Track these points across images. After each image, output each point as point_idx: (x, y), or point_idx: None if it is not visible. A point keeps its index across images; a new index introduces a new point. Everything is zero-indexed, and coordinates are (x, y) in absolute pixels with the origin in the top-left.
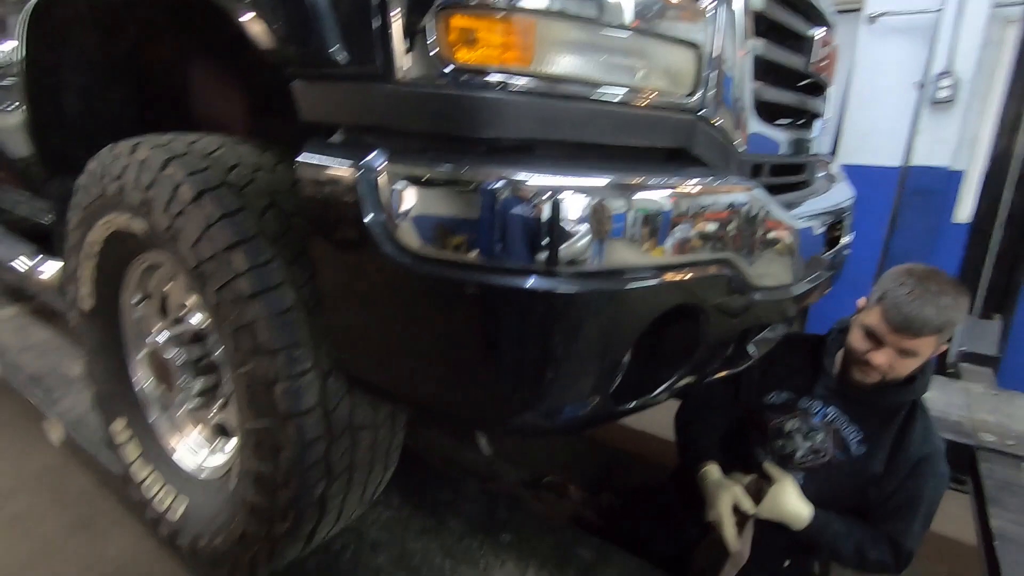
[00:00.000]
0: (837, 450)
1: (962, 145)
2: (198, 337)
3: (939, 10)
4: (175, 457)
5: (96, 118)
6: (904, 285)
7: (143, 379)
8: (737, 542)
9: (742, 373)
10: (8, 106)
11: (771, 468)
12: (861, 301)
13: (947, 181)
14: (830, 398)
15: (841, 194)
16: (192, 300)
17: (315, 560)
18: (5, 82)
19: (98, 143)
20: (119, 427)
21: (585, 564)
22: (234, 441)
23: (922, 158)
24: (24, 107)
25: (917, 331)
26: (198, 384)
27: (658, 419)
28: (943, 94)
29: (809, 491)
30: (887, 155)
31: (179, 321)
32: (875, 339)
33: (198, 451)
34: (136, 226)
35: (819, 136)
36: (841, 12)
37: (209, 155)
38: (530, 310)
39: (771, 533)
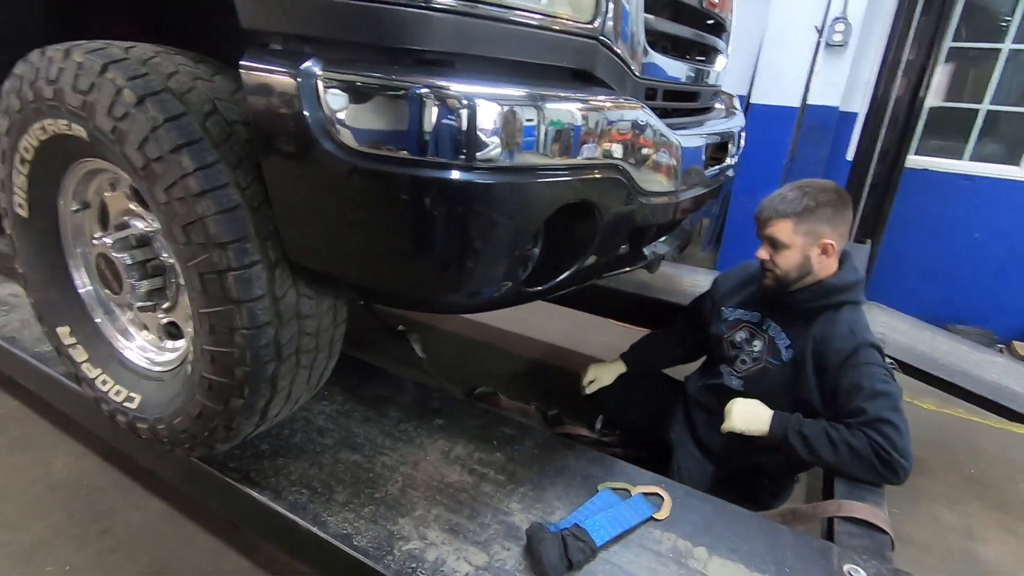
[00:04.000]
0: (770, 357)
1: (852, 87)
2: (143, 242)
3: None
4: (126, 357)
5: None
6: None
7: (86, 284)
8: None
9: (696, 307)
10: None
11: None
12: None
13: (837, 120)
14: (767, 309)
15: (730, 123)
16: (133, 206)
17: (268, 442)
18: None
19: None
20: (63, 334)
21: (506, 437)
22: (183, 341)
23: (816, 98)
24: None
25: (765, 218)
26: (145, 285)
27: (579, 337)
28: (837, 38)
29: (748, 397)
30: (791, 96)
31: (122, 227)
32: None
33: (149, 351)
34: (76, 130)
35: (720, 71)
36: None
37: (147, 62)
38: (450, 198)
39: (743, 451)
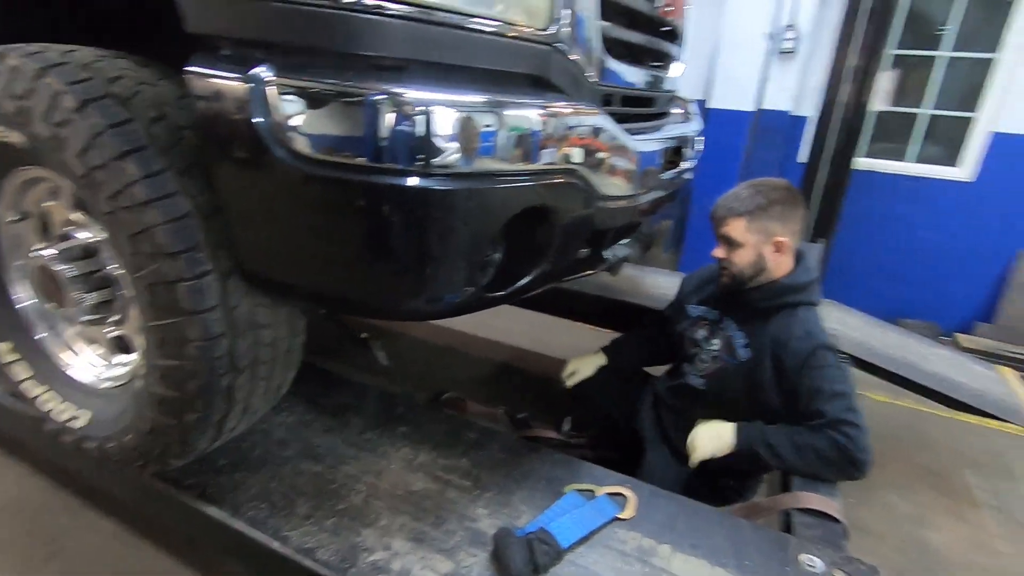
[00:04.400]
0: (727, 355)
1: (802, 92)
2: (88, 253)
3: None
4: (72, 373)
5: None
6: None
7: (27, 298)
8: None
9: (667, 308)
10: None
11: None
12: None
13: (789, 124)
14: (725, 308)
15: (686, 128)
16: (76, 216)
17: (225, 456)
18: None
19: None
20: (3, 351)
21: (472, 442)
22: (134, 355)
23: (769, 103)
24: None
25: (720, 216)
26: (91, 298)
27: (546, 340)
28: (787, 45)
29: (710, 396)
30: (746, 100)
31: (65, 238)
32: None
33: (96, 366)
34: (12, 137)
35: (676, 77)
36: None
37: (88, 66)
38: (408, 204)
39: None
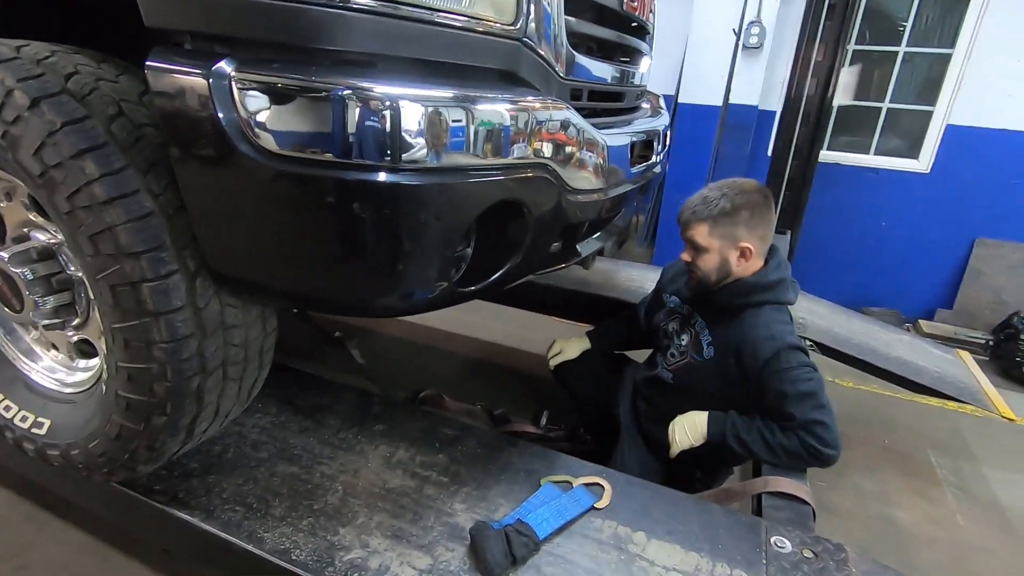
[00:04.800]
0: (694, 352)
1: (769, 87)
2: (46, 255)
3: None
4: (32, 379)
5: None
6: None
7: None
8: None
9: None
10: None
11: None
12: None
13: (756, 118)
14: (695, 305)
15: (656, 122)
16: (33, 217)
17: (197, 460)
18: None
19: None
20: None
21: (449, 439)
22: (98, 359)
23: (737, 98)
24: None
25: (684, 220)
26: (50, 301)
27: (523, 336)
28: (753, 41)
29: (677, 390)
30: (714, 95)
31: (22, 239)
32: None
33: (58, 371)
34: None
35: (644, 72)
36: None
37: (41, 62)
38: (377, 200)
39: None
